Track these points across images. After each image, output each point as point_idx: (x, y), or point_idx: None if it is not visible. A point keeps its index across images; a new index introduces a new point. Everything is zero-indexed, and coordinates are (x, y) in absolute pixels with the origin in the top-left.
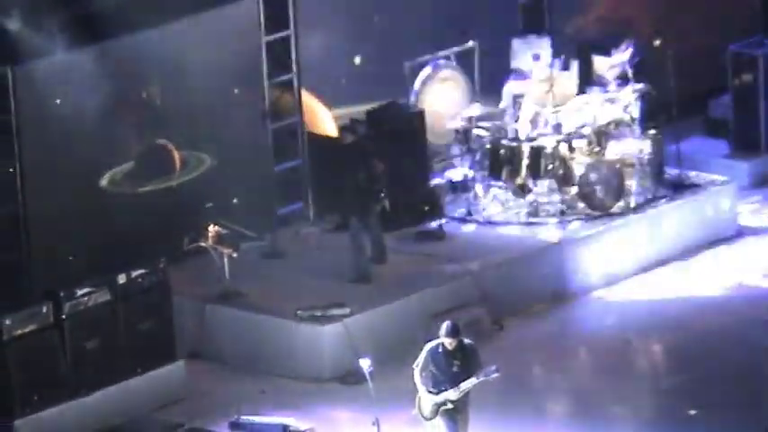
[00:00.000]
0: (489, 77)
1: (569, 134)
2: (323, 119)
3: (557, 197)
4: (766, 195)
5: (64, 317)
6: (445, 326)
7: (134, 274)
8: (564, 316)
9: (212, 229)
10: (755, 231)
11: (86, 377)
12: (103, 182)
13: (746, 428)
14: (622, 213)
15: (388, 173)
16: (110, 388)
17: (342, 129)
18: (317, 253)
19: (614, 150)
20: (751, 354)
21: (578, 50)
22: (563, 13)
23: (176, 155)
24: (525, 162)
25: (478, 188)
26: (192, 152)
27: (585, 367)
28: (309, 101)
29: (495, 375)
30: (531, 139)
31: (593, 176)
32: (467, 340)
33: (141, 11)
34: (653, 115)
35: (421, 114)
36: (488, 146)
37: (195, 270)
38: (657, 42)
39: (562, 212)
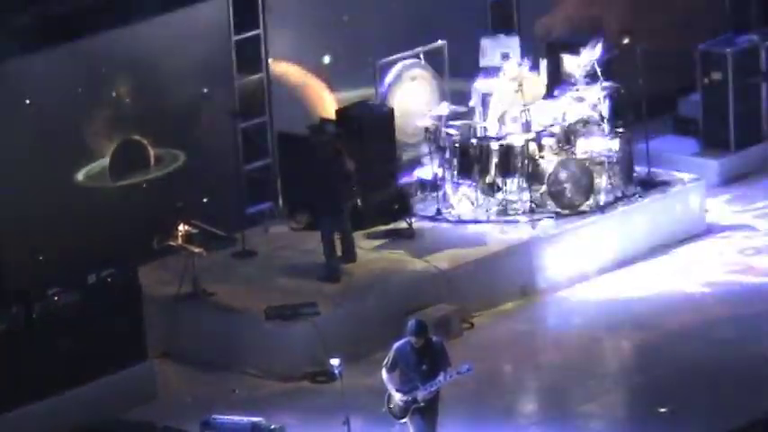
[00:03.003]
0: (458, 76)
1: (538, 132)
2: (325, 100)
3: (526, 195)
4: (735, 193)
5: (34, 317)
6: (411, 323)
7: (104, 273)
8: (533, 314)
9: (182, 228)
10: (723, 229)
11: (56, 377)
12: (79, 177)
13: (714, 425)
14: (591, 211)
15: (358, 171)
16: (80, 388)
17: (311, 128)
18: (287, 252)
19: (583, 148)
20: (719, 351)
21: (547, 49)
22: (532, 12)
23: (151, 150)
24: (494, 160)
25: (448, 187)
26: (168, 149)
27: (555, 365)
28: (312, 82)
29: (469, 373)
30: (500, 138)
31: (562, 175)
32: (435, 338)
33: (111, 10)
34: (622, 114)
35: (390, 113)
36: (458, 144)
37: (165, 269)
38: (626, 41)
39: (531, 210)
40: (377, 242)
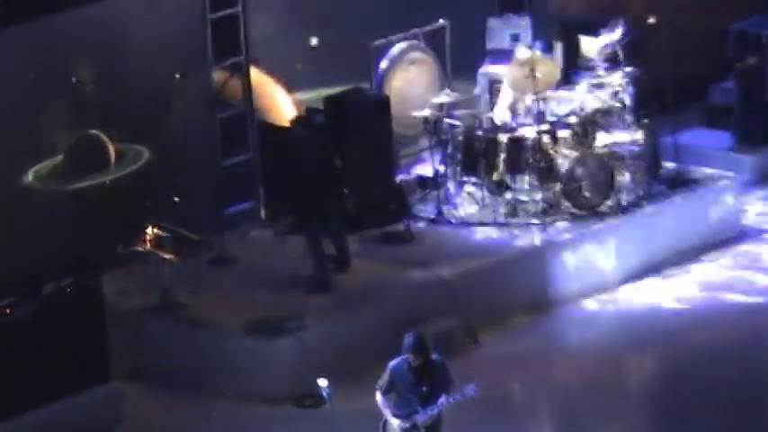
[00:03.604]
0: (463, 60)
1: (552, 124)
2: (280, 104)
3: (538, 195)
4: None
5: None
6: (409, 340)
7: (62, 282)
8: (546, 328)
9: (151, 231)
10: (761, 232)
11: (9, 400)
12: (28, 178)
13: None
14: (611, 213)
15: (348, 170)
16: (36, 412)
17: (295, 120)
18: (269, 258)
19: (603, 142)
20: (756, 371)
21: (562, 30)
22: None
23: (111, 147)
24: (503, 155)
25: (450, 185)
26: (130, 145)
27: (570, 385)
28: (265, 83)
29: (473, 395)
30: (509, 130)
31: (578, 172)
32: (435, 356)
33: None
34: (646, 103)
35: (386, 102)
36: (461, 137)
37: (132, 278)
38: (651, 21)
39: (544, 212)
40: (371, 247)
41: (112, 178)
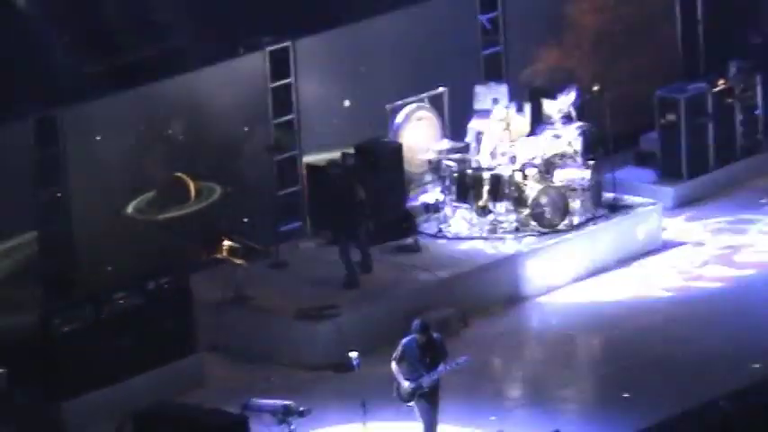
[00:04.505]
0: (456, 117)
1: (523, 164)
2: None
3: (512, 217)
4: (687, 215)
5: (102, 317)
6: (416, 323)
7: (161, 281)
8: (518, 316)
9: (226, 243)
10: (677, 244)
11: (120, 368)
12: (129, 209)
13: (668, 408)
14: (567, 230)
15: (370, 197)
16: (140, 377)
17: (331, 161)
18: (313, 264)
19: (560, 177)
20: (674, 347)
21: (530, 95)
22: (518, 64)
23: (192, 186)
24: (486, 188)
25: (448, 209)
26: (206, 183)
27: (536, 358)
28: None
29: (465, 364)
30: (491, 169)
31: (542, 199)
32: (435, 335)
33: (169, 61)
34: (592, 148)
35: (399, 148)
36: (456, 174)
37: (212, 278)
38: (596, 88)
39: (517, 229)
40: (389, 255)
41: (191, 211)
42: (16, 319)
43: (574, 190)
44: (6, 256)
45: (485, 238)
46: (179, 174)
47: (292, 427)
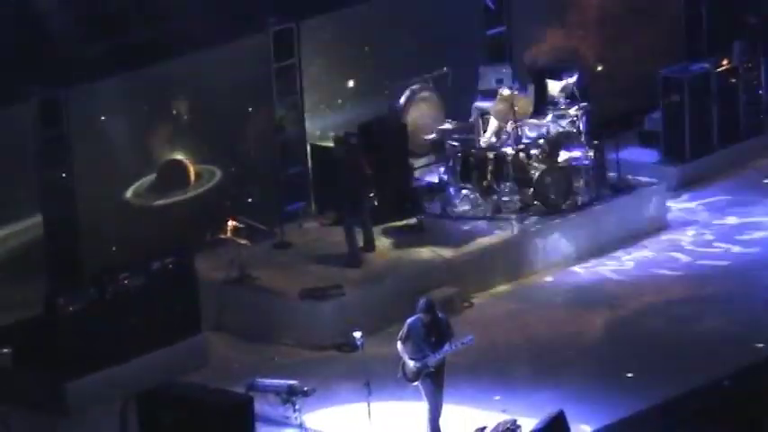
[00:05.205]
0: (460, 98)
1: (527, 144)
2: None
3: (516, 197)
4: (690, 195)
5: (107, 297)
6: (421, 302)
7: (165, 261)
8: (522, 295)
9: (230, 223)
10: (681, 224)
11: (125, 347)
12: (128, 194)
13: (671, 388)
14: (571, 210)
15: (375, 177)
16: (144, 356)
17: (336, 140)
18: (317, 243)
19: (564, 157)
20: (677, 325)
21: (534, 75)
22: (522, 44)
23: (191, 169)
24: (490, 168)
25: (451, 189)
26: (205, 166)
27: (540, 336)
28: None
29: (470, 343)
30: (495, 149)
31: (546, 180)
32: (440, 314)
33: (173, 42)
34: (596, 129)
35: (404, 128)
36: (460, 154)
37: (216, 257)
38: (600, 68)
39: (521, 209)
40: (392, 235)
41: (189, 197)
42: (21, 300)
43: (577, 170)
44: (12, 237)
45: (488, 218)
46: (178, 157)
47: (297, 406)
